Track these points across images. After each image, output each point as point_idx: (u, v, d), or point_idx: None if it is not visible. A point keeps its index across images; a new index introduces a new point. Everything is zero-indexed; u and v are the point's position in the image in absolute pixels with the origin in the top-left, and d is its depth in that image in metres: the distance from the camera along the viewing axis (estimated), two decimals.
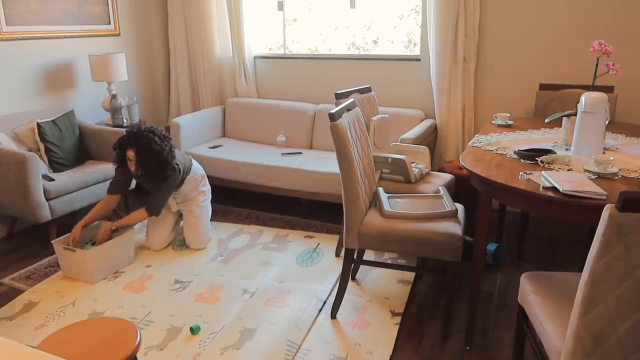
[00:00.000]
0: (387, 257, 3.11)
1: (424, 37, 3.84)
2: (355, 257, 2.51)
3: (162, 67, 4.74)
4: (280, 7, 4.36)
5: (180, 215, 3.36)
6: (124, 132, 2.98)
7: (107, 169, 3.52)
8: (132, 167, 2.92)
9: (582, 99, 2.20)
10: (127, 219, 3.03)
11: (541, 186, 1.84)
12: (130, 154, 2.87)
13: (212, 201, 3.47)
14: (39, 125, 3.40)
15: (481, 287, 2.74)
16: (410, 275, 2.87)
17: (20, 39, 3.54)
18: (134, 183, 3.28)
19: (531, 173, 1.99)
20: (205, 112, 4.34)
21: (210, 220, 3.38)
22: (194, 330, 2.35)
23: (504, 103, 3.72)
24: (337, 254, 3.13)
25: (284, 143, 4.18)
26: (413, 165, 3.00)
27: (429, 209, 2.43)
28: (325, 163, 3.66)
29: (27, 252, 3.25)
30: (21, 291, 2.76)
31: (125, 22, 4.35)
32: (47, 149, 3.40)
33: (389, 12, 4.08)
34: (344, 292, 2.48)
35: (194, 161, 3.28)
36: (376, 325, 2.43)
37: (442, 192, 2.62)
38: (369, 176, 2.53)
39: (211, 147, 4.09)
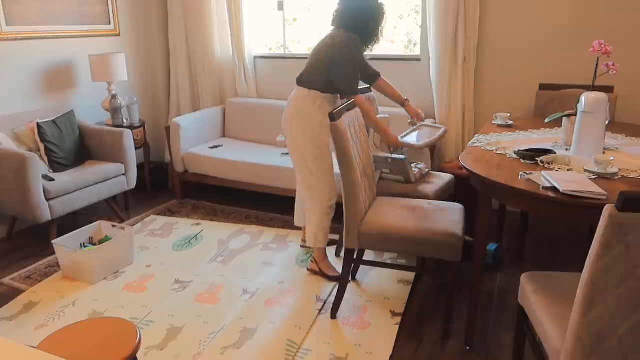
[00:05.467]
0: (387, 257, 3.11)
1: (424, 37, 3.84)
2: (355, 257, 2.51)
3: (162, 67, 4.74)
4: (280, 7, 4.36)
5: None
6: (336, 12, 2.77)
7: (107, 168, 3.52)
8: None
9: (582, 99, 2.20)
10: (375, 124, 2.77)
11: (541, 186, 1.84)
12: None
13: (211, 201, 3.47)
14: (39, 125, 3.40)
15: (481, 287, 2.74)
16: (410, 275, 2.87)
17: (20, 39, 3.54)
18: None
19: (531, 173, 1.99)
20: (205, 112, 4.34)
21: (211, 220, 3.36)
22: None
23: (504, 103, 3.72)
24: (337, 254, 3.13)
25: (284, 143, 4.17)
26: (413, 165, 3.01)
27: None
28: None
29: (27, 252, 3.25)
30: (21, 291, 2.76)
31: (125, 22, 4.35)
32: (47, 149, 3.40)
33: (389, 12, 4.06)
34: (344, 292, 2.48)
35: None
36: (376, 325, 2.42)
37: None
38: (369, 176, 2.53)
39: (211, 147, 4.08)
